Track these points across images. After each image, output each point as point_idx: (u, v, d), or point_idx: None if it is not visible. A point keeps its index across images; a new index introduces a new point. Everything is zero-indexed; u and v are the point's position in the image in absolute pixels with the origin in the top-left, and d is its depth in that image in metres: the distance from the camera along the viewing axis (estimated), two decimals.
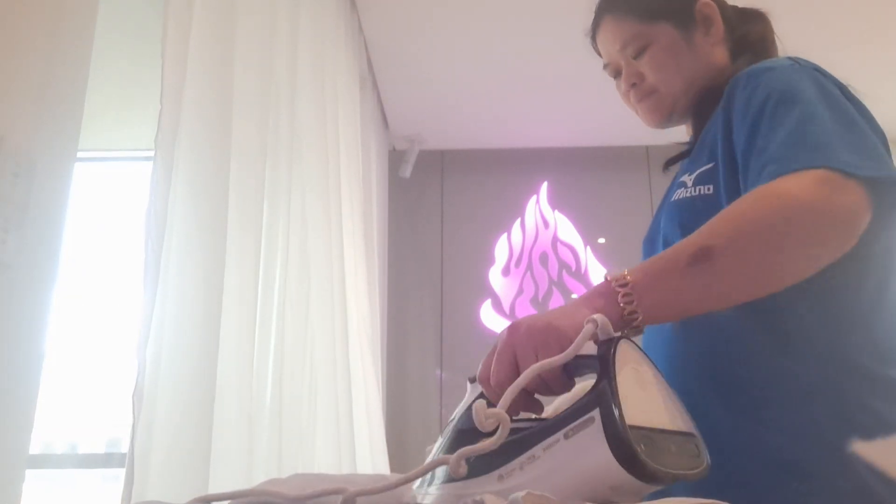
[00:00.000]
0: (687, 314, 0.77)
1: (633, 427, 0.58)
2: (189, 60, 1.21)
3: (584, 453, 0.59)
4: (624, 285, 0.72)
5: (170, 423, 1.06)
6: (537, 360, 0.66)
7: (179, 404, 1.09)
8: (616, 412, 0.58)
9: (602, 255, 3.50)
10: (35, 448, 0.90)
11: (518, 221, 3.58)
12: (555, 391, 0.71)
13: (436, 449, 0.74)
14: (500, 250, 3.52)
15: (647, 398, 0.64)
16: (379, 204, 3.04)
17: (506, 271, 3.50)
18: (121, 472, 1.00)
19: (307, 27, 1.90)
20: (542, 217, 3.58)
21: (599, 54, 1.12)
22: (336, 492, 0.57)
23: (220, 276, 1.21)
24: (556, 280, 3.47)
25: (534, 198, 3.60)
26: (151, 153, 1.11)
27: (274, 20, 1.63)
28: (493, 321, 3.39)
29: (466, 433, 0.69)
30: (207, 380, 1.15)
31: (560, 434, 0.61)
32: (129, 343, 1.02)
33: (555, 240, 3.54)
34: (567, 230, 3.55)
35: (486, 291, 3.45)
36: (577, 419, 0.61)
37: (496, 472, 0.63)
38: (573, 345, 0.64)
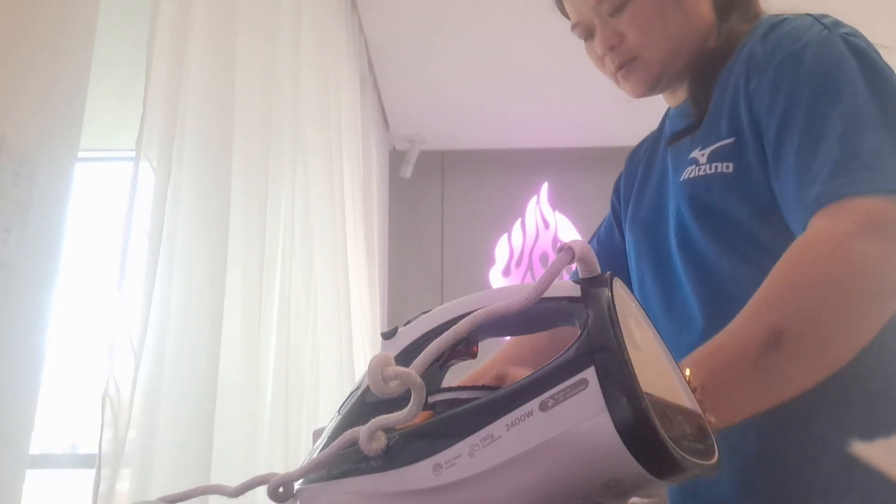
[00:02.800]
0: (757, 412, 0.63)
1: (648, 395, 0.41)
2: (189, 61, 1.21)
3: (577, 430, 0.40)
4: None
5: (171, 423, 1.06)
6: None
7: (181, 404, 1.09)
8: (626, 369, 0.40)
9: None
10: (35, 448, 0.89)
11: (518, 222, 3.57)
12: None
13: (328, 429, 0.53)
14: (501, 251, 3.52)
15: (651, 361, 0.46)
16: (379, 204, 3.04)
17: (506, 272, 3.50)
18: (121, 473, 1.00)
19: (308, 27, 1.90)
20: (543, 217, 3.58)
21: (565, 14, 0.95)
22: (263, 481, 0.50)
23: (222, 275, 1.21)
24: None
25: (534, 198, 3.60)
26: (149, 154, 1.10)
27: (275, 20, 1.64)
28: None
29: (380, 406, 0.48)
30: (209, 379, 1.15)
31: (533, 404, 0.42)
32: (107, 345, 1.02)
33: (555, 240, 3.53)
34: (567, 231, 3.55)
35: None
36: (559, 383, 0.42)
37: (430, 461, 0.44)
38: (538, 280, 0.45)
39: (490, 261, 3.50)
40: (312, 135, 1.85)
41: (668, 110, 0.96)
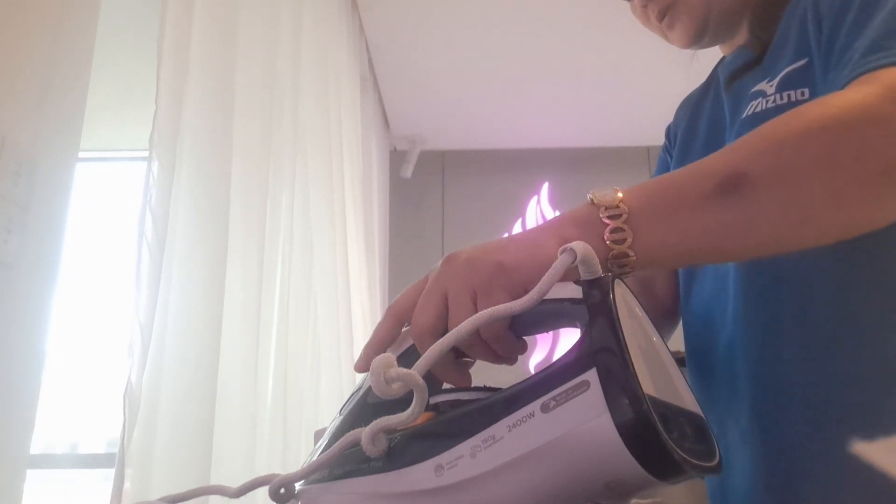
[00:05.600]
0: (690, 262, 0.59)
1: (649, 396, 0.41)
2: (190, 61, 1.21)
3: (577, 431, 0.40)
4: (616, 216, 0.51)
5: (171, 423, 1.06)
6: (475, 310, 0.48)
7: (181, 404, 1.09)
8: (628, 371, 0.40)
9: None
10: (36, 448, 0.90)
11: (519, 222, 3.57)
12: (499, 355, 0.51)
13: (329, 430, 0.54)
14: None
15: (652, 363, 0.45)
16: (380, 204, 3.04)
17: None
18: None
19: (309, 27, 1.90)
20: (543, 218, 3.58)
21: None
22: (267, 481, 0.50)
23: (221, 275, 1.21)
24: None
25: (535, 198, 3.60)
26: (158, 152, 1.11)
27: (275, 20, 1.64)
28: None
29: (382, 407, 0.49)
30: (209, 379, 1.15)
31: (535, 405, 0.42)
32: (127, 342, 1.02)
33: None
34: None
35: None
36: (561, 384, 0.42)
37: (431, 462, 0.44)
38: (541, 282, 0.45)
39: None
40: (312, 135, 1.85)
41: (722, 59, 0.88)
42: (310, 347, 1.66)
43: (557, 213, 0.54)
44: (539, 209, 3.59)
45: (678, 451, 0.39)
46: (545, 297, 0.45)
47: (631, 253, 0.51)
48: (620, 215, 0.51)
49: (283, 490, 0.51)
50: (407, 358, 0.49)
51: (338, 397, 1.79)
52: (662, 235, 0.52)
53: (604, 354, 0.41)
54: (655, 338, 0.49)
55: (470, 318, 0.45)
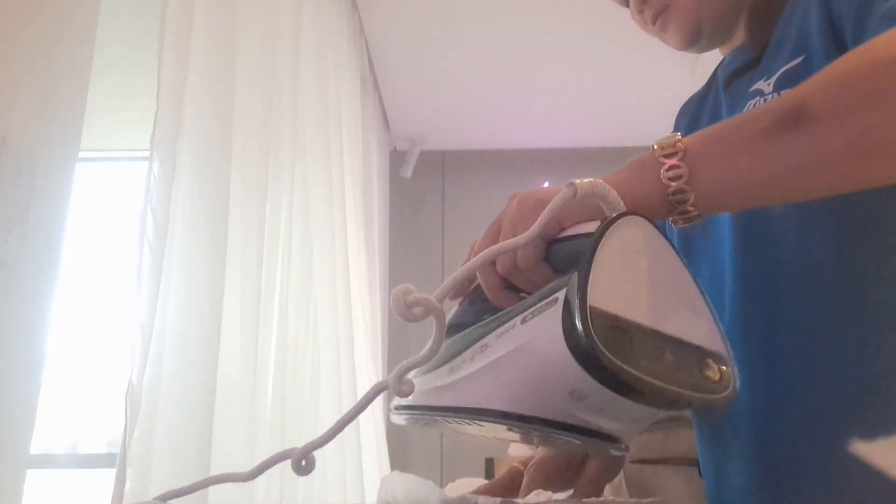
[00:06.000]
0: (752, 203, 0.56)
1: (601, 312, 0.44)
2: (190, 61, 1.21)
3: (538, 340, 0.46)
4: (672, 154, 0.52)
5: (170, 423, 1.06)
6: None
7: (180, 404, 1.09)
8: (583, 290, 0.44)
9: None
10: (36, 448, 0.89)
11: None
12: (534, 286, 0.54)
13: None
14: None
15: (645, 291, 0.48)
16: (380, 204, 3.04)
17: None
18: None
19: (309, 27, 1.90)
20: None
21: None
22: (285, 456, 0.51)
23: (221, 275, 1.21)
24: None
25: None
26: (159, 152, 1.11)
27: (275, 21, 1.64)
28: None
29: (456, 328, 0.58)
30: (208, 379, 1.15)
31: (517, 318, 0.49)
32: (127, 342, 1.02)
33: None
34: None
35: None
36: (540, 301, 0.48)
37: (448, 365, 0.54)
38: (537, 221, 0.50)
39: None
40: (312, 135, 1.85)
41: (722, 60, 0.88)
42: (310, 347, 1.66)
43: None
44: None
45: (610, 358, 0.42)
46: (570, 234, 0.51)
47: (688, 189, 0.51)
48: (676, 153, 0.52)
49: (304, 462, 0.50)
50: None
51: (337, 397, 1.79)
52: (721, 173, 0.51)
53: (574, 276, 0.46)
54: (678, 275, 0.51)
55: (481, 253, 0.51)
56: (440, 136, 3.54)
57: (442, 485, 0.87)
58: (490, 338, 0.51)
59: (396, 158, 3.58)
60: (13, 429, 0.86)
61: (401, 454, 2.86)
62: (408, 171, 3.53)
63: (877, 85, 0.49)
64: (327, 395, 1.75)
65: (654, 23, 0.83)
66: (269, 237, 1.46)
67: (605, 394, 0.44)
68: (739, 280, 0.72)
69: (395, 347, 3.26)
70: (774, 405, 0.68)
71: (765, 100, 0.71)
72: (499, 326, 0.50)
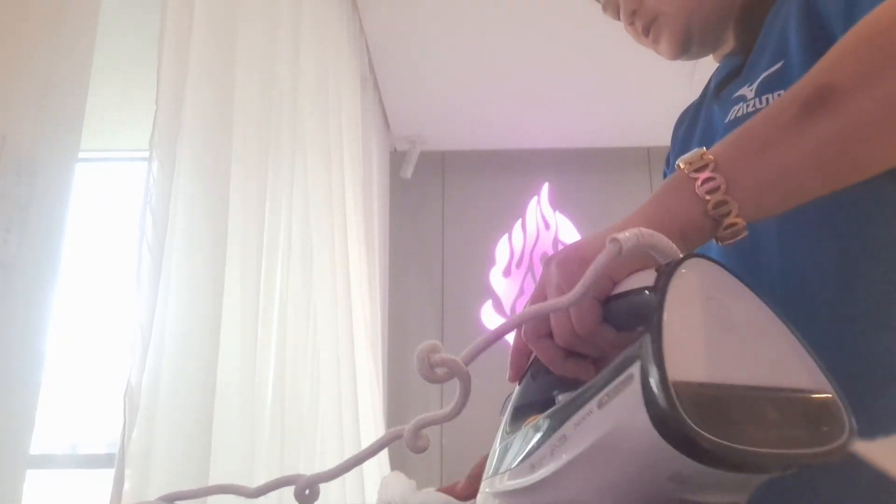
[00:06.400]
0: (798, 198, 0.51)
1: (686, 384, 0.39)
2: (190, 61, 1.21)
3: (623, 427, 0.41)
4: (703, 167, 0.49)
5: (170, 423, 1.06)
6: None
7: (180, 404, 1.09)
8: (658, 360, 0.40)
9: None
10: (36, 448, 0.89)
11: (519, 222, 3.57)
12: (600, 350, 0.50)
13: (499, 436, 0.56)
14: (501, 251, 3.52)
15: (727, 342, 0.43)
16: (380, 205, 3.04)
17: (507, 272, 3.50)
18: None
19: (308, 28, 1.90)
20: (544, 218, 3.58)
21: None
22: (291, 481, 0.50)
23: (221, 276, 1.21)
24: None
25: (535, 199, 3.60)
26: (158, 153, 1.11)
27: (275, 21, 1.64)
28: (494, 322, 3.39)
29: (524, 409, 0.53)
30: (208, 379, 1.15)
31: (594, 402, 0.43)
32: (126, 343, 1.02)
33: (556, 241, 3.53)
34: (568, 231, 3.55)
35: (487, 292, 3.45)
36: (613, 380, 0.43)
37: (528, 461, 0.47)
38: (582, 279, 0.46)
39: (490, 261, 3.50)
40: (312, 135, 1.85)
41: (717, 69, 0.89)
42: (309, 348, 1.66)
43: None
44: (539, 210, 3.59)
45: (703, 434, 0.37)
46: (626, 289, 0.47)
47: (730, 200, 0.48)
48: (707, 165, 0.49)
49: (308, 491, 0.50)
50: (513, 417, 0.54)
51: (337, 397, 1.79)
52: (758, 174, 0.49)
53: (645, 346, 0.41)
54: (750, 311, 0.45)
55: (519, 313, 0.48)
56: (440, 136, 3.55)
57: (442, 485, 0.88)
58: (568, 427, 0.44)
59: (396, 158, 3.58)
60: (13, 429, 0.86)
61: (401, 454, 2.86)
62: (408, 172, 3.53)
63: (893, 46, 0.48)
64: (327, 396, 1.75)
65: (645, 34, 0.83)
66: (269, 237, 1.46)
67: (711, 472, 0.39)
68: None
69: (395, 348, 3.26)
70: None
71: (747, 105, 0.70)
72: (575, 412, 0.44)
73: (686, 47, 0.82)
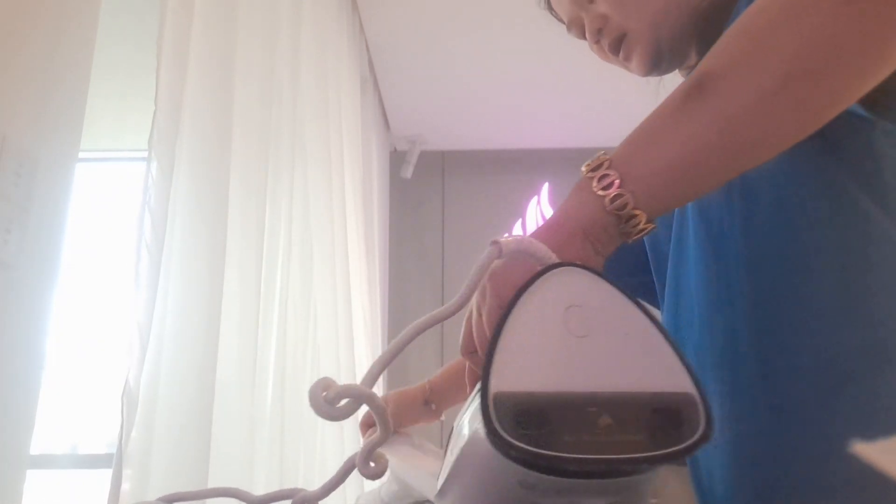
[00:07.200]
0: (695, 188, 0.53)
1: (510, 395, 0.40)
2: (189, 61, 1.21)
3: (472, 438, 0.43)
4: (599, 166, 0.51)
5: (170, 424, 1.06)
6: (481, 322, 0.51)
7: (179, 404, 1.09)
8: (482, 374, 0.41)
9: None
10: (36, 448, 0.89)
11: (519, 222, 3.57)
12: None
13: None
14: None
15: (577, 350, 0.43)
16: (380, 205, 3.04)
17: None
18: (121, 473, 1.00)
19: (308, 28, 1.90)
20: (544, 218, 3.58)
21: (560, 20, 0.91)
22: (290, 495, 0.52)
23: (220, 276, 1.21)
24: None
25: (535, 199, 3.60)
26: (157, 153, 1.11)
27: (275, 21, 1.64)
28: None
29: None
30: (207, 379, 1.15)
31: (459, 419, 0.46)
32: (125, 343, 1.02)
33: None
34: None
35: None
36: (470, 396, 0.45)
37: (434, 476, 0.51)
38: (464, 285, 0.47)
39: None
40: (312, 135, 1.85)
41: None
42: (309, 348, 1.66)
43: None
44: (539, 210, 3.59)
45: (544, 452, 0.38)
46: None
47: (625, 194, 0.49)
48: (602, 164, 0.51)
49: None
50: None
51: None
52: (650, 165, 0.50)
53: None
54: (624, 321, 0.45)
55: (408, 327, 0.47)
56: (440, 136, 3.54)
57: None
58: (451, 441, 0.48)
59: (396, 158, 3.58)
60: (13, 429, 0.86)
61: None
62: (408, 171, 3.53)
63: (762, 32, 0.50)
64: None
65: (613, 52, 0.83)
66: (269, 237, 1.46)
67: (549, 478, 0.40)
68: (701, 290, 0.73)
69: None
70: (741, 411, 0.68)
71: None
72: (457, 423, 0.47)
73: (657, 62, 0.81)
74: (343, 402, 0.44)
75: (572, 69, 2.98)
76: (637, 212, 0.50)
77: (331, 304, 1.84)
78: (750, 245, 0.68)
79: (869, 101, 0.53)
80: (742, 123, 0.49)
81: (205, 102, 1.24)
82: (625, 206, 0.50)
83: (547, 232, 0.51)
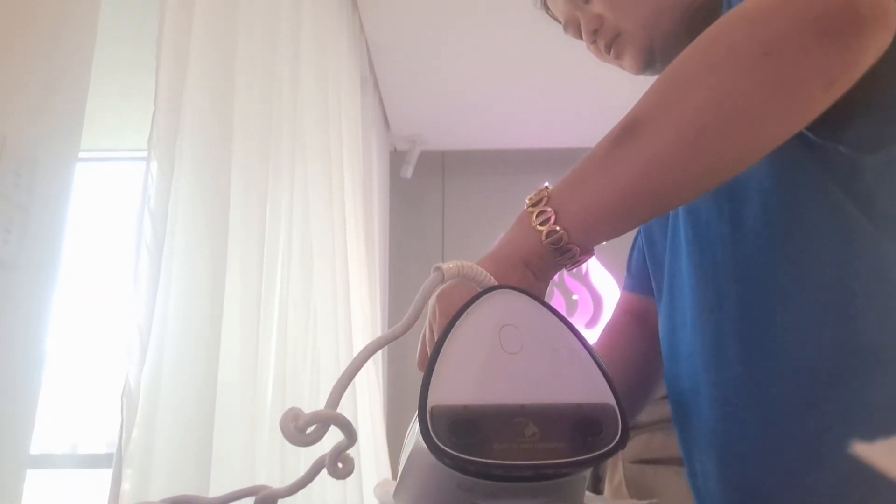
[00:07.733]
0: (625, 223, 0.56)
1: (445, 408, 0.45)
2: (189, 61, 1.21)
3: (415, 446, 0.48)
4: (538, 202, 0.56)
5: (171, 424, 1.06)
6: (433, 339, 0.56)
7: (180, 405, 1.09)
8: (421, 389, 0.46)
9: (603, 256, 3.50)
10: (36, 448, 0.89)
11: None
12: None
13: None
14: None
15: (508, 366, 0.47)
16: (380, 205, 3.04)
17: None
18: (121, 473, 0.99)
19: (308, 28, 1.90)
20: None
21: (557, 19, 0.93)
22: (252, 492, 0.54)
23: (221, 276, 1.21)
24: (557, 281, 3.47)
25: None
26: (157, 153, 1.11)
27: (275, 21, 1.64)
28: None
29: None
30: (208, 380, 1.15)
31: (410, 427, 0.52)
32: (125, 343, 1.02)
33: None
34: None
35: None
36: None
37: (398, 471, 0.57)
38: (406, 315, 0.53)
39: None
40: (312, 135, 1.85)
41: None
42: (309, 348, 1.66)
43: None
44: None
45: (474, 458, 0.43)
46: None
47: (559, 229, 0.54)
48: (541, 199, 0.56)
49: None
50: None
51: None
52: (583, 202, 0.54)
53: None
54: (552, 340, 0.49)
55: (363, 348, 0.52)
56: (440, 136, 3.54)
57: None
58: (407, 434, 0.53)
59: (397, 159, 3.58)
60: (13, 429, 0.86)
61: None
62: (408, 171, 3.53)
63: (685, 81, 0.53)
64: (327, 396, 1.74)
65: (608, 52, 0.85)
66: (269, 238, 1.46)
67: (481, 482, 0.45)
68: (693, 293, 0.73)
69: (395, 348, 3.26)
70: (729, 417, 0.69)
71: None
72: (414, 422, 0.51)
73: (650, 62, 0.83)
74: (311, 428, 0.48)
75: (572, 69, 2.98)
76: (571, 245, 0.55)
77: (331, 303, 1.84)
78: (737, 248, 0.69)
79: (817, 128, 0.55)
80: (662, 168, 0.53)
81: (205, 102, 1.24)
82: (560, 240, 0.54)
83: (492, 260, 0.56)
